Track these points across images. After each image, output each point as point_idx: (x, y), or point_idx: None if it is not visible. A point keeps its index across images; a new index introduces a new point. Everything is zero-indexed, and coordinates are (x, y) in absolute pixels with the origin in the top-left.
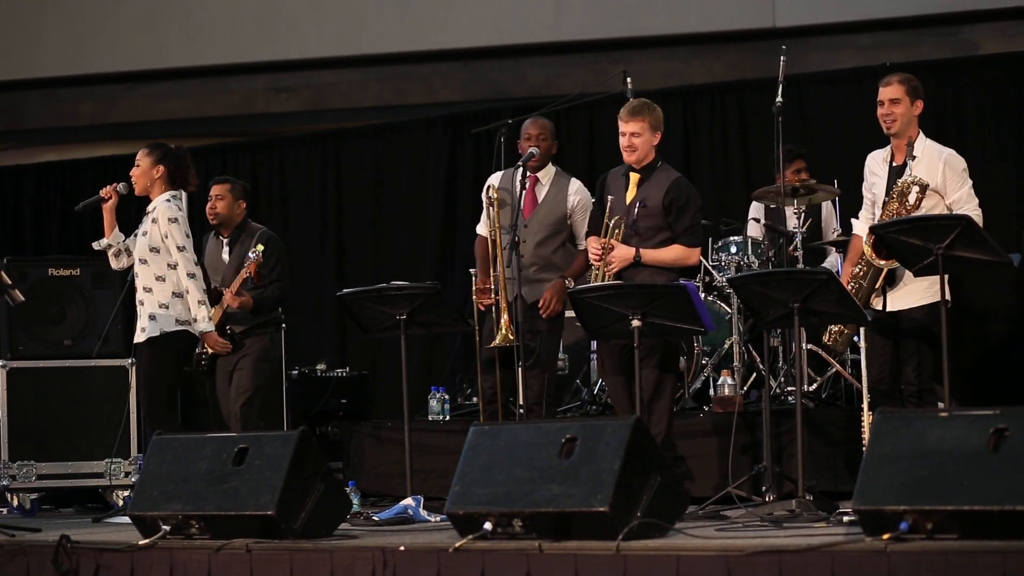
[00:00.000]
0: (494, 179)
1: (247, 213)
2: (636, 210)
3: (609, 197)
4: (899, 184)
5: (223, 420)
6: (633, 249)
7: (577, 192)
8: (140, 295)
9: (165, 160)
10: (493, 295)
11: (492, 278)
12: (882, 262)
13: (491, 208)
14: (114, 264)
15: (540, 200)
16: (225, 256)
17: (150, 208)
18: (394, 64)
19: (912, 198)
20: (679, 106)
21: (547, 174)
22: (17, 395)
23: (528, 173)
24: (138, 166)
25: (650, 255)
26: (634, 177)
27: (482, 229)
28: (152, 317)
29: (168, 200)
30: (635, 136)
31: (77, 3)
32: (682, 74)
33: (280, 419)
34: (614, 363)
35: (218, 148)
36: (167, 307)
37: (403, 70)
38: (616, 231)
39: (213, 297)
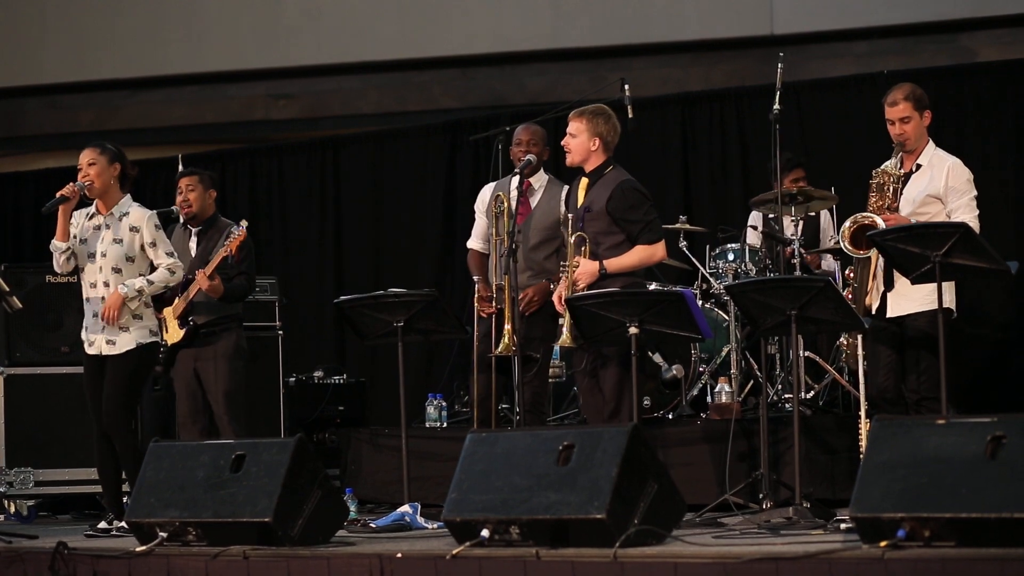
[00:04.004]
0: (487, 190)
1: (217, 205)
2: (584, 216)
3: (570, 216)
4: (876, 174)
5: (188, 418)
6: (597, 263)
7: None
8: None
9: (118, 158)
10: (495, 304)
11: (495, 287)
12: (860, 252)
13: (499, 217)
14: (66, 267)
15: (533, 206)
16: (192, 247)
17: (117, 213)
18: (393, 71)
19: (890, 189)
20: (677, 113)
21: (539, 180)
22: (14, 402)
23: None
24: (94, 164)
25: (614, 264)
26: (584, 182)
27: (474, 243)
28: (124, 328)
29: (141, 207)
30: (571, 136)
31: (77, 10)
32: (680, 81)
33: (277, 426)
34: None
35: (217, 155)
36: (141, 318)
37: (402, 77)
38: (583, 247)
39: (179, 285)
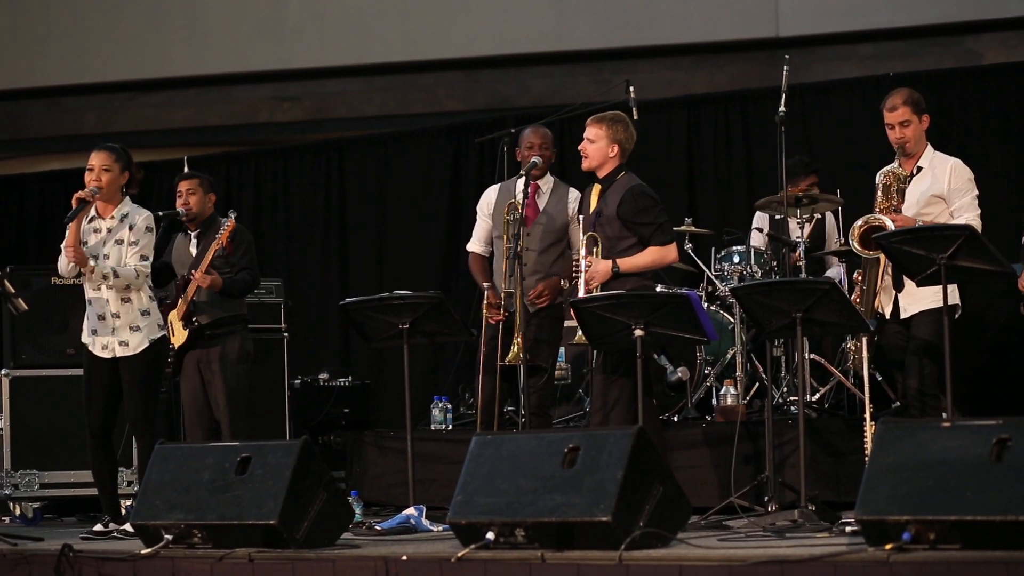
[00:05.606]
0: (491, 192)
1: (215, 208)
2: (596, 220)
3: (580, 217)
4: (882, 175)
5: (194, 420)
6: (610, 262)
7: (576, 200)
8: (113, 306)
9: (129, 165)
10: (504, 311)
11: (503, 293)
12: (869, 253)
13: (512, 226)
14: (72, 271)
15: (542, 209)
16: (192, 250)
17: (118, 216)
18: (397, 74)
19: (894, 190)
20: (682, 116)
21: (547, 183)
22: (20, 404)
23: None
24: (108, 171)
25: (627, 263)
26: (596, 188)
27: (475, 246)
28: (135, 328)
29: (141, 208)
30: (589, 142)
31: (80, 12)
32: (685, 84)
33: (282, 428)
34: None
35: (222, 157)
36: (148, 313)
37: (406, 80)
38: (595, 248)
39: (180, 287)
